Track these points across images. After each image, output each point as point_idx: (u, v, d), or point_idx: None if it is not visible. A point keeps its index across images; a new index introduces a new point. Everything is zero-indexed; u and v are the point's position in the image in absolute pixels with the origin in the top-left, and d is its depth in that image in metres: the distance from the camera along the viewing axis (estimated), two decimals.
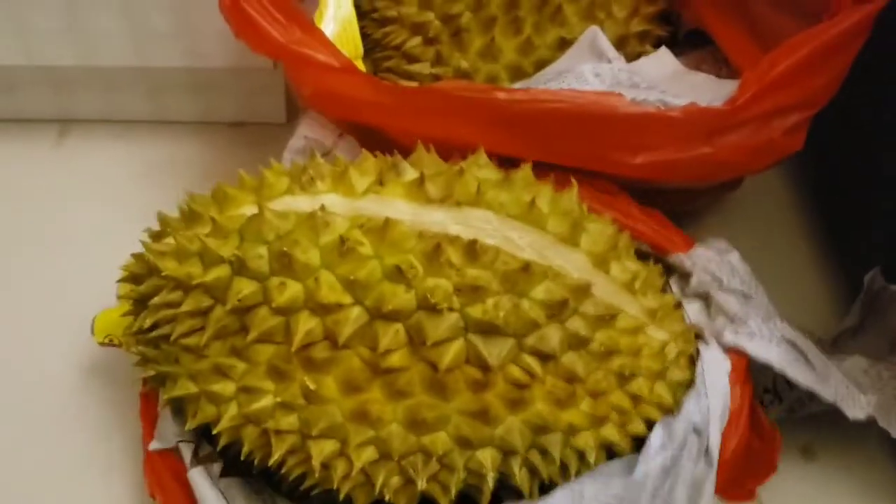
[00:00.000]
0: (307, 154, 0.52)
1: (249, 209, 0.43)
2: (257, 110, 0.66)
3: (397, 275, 0.39)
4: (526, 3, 0.55)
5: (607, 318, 0.41)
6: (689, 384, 0.44)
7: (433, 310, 0.38)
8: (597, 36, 0.54)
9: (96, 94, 0.65)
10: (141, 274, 0.44)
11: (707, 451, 0.42)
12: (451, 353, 0.39)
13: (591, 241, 0.42)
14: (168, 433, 0.47)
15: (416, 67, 0.57)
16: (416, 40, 0.57)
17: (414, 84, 0.56)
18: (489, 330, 0.39)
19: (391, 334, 0.39)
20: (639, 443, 0.43)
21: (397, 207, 0.41)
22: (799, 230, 0.64)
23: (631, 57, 0.57)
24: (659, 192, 0.51)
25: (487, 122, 0.46)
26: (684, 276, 0.50)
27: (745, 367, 0.45)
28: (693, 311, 0.48)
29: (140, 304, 0.44)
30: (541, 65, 0.55)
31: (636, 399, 0.42)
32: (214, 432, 0.41)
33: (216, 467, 0.45)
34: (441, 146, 0.45)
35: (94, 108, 0.66)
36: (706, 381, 0.43)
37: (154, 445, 0.47)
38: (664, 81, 0.53)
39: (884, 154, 0.56)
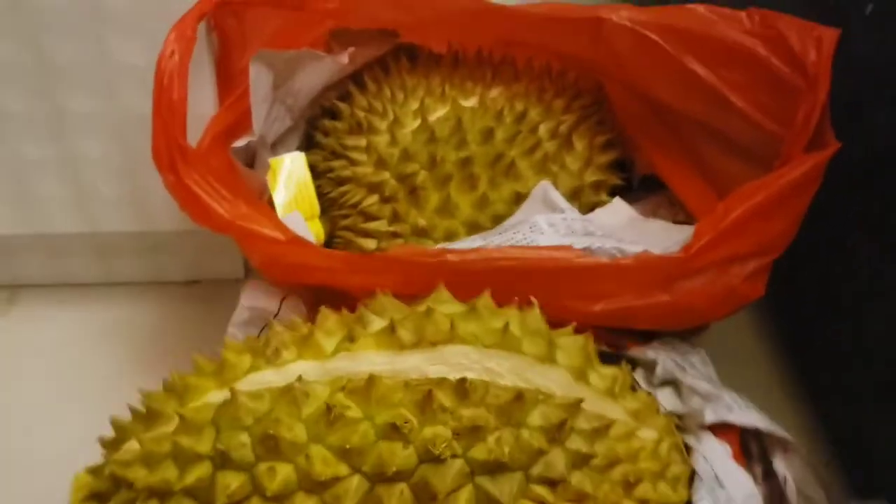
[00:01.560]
0: (253, 326, 0.50)
1: (216, 395, 0.40)
2: (212, 268, 0.65)
3: (393, 432, 0.37)
4: (480, 159, 0.55)
5: (602, 430, 0.41)
6: (689, 477, 0.44)
7: (436, 460, 0.37)
8: (548, 190, 0.54)
9: (44, 258, 0.63)
10: (103, 490, 0.41)
11: None
12: (461, 502, 0.37)
13: (567, 355, 0.42)
14: None
15: (373, 225, 0.56)
16: (373, 199, 0.56)
17: (372, 242, 0.55)
18: (495, 468, 0.38)
19: (396, 496, 0.37)
20: None
21: (372, 360, 0.40)
22: (769, 373, 0.64)
23: (587, 206, 0.58)
24: (627, 332, 0.51)
25: (445, 280, 0.45)
26: (648, 367, 0.51)
27: (738, 443, 0.45)
28: (664, 398, 0.49)
29: None
30: (498, 219, 0.55)
31: (644, 503, 0.42)
32: None
33: None
34: (401, 298, 0.45)
35: (42, 273, 0.64)
36: (716, 472, 0.43)
37: None
38: (620, 230, 0.54)
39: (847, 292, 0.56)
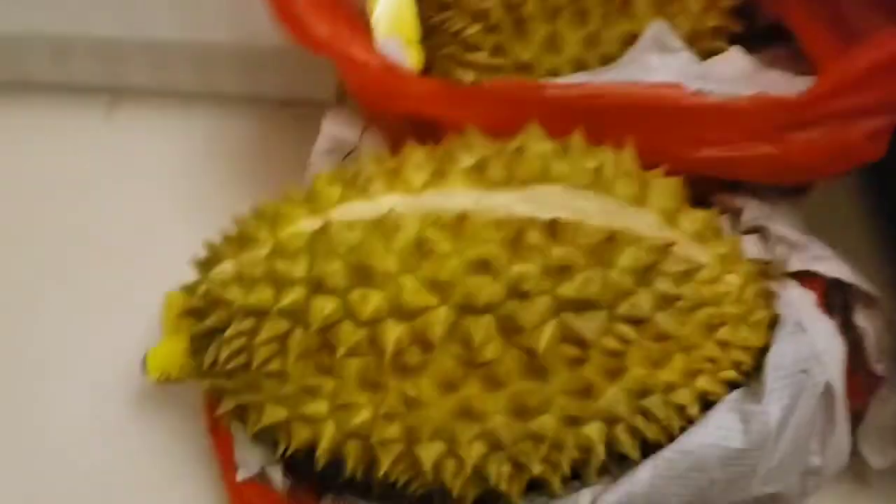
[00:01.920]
0: (334, 155, 0.50)
1: (306, 223, 0.41)
2: (306, 89, 0.64)
3: (482, 267, 0.38)
4: None
5: (690, 273, 0.40)
6: (770, 322, 0.45)
7: (524, 296, 0.38)
8: (662, 31, 0.50)
9: (146, 66, 0.63)
10: (199, 308, 0.43)
11: (828, 389, 0.42)
12: (546, 335, 0.38)
13: (658, 197, 0.42)
14: (250, 460, 0.46)
15: (474, 57, 0.53)
16: (476, 28, 0.52)
17: (471, 74, 0.53)
18: (581, 306, 0.38)
19: (483, 327, 0.38)
20: (731, 387, 0.43)
21: (461, 196, 0.40)
22: (862, 232, 0.61)
23: (703, 54, 0.53)
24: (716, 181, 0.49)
25: (540, 117, 0.43)
26: (734, 213, 0.50)
27: (822, 292, 0.45)
28: (749, 244, 0.48)
29: (205, 338, 0.43)
30: (606, 60, 0.51)
31: (725, 346, 0.42)
32: (318, 454, 0.41)
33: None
34: (495, 136, 0.43)
35: (144, 80, 0.64)
36: (799, 318, 0.43)
37: (241, 475, 0.46)
38: (737, 79, 0.50)
39: None
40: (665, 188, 0.42)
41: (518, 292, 0.37)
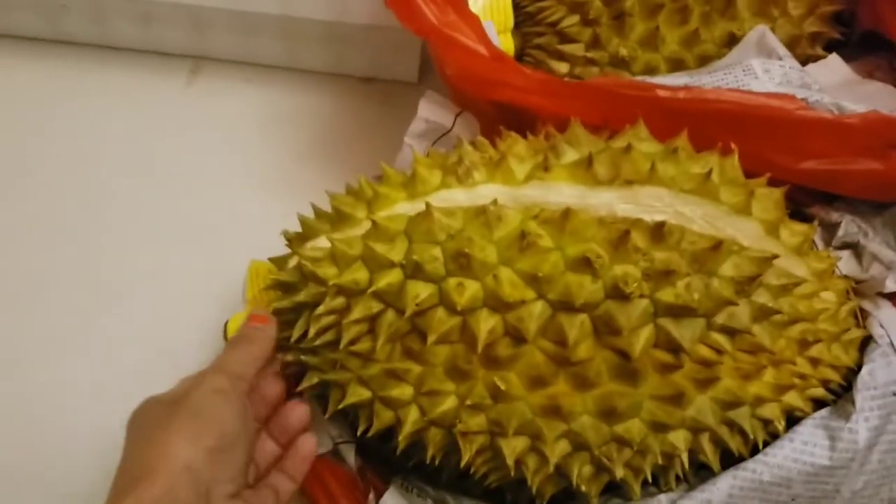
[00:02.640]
0: (428, 138, 0.50)
1: (404, 206, 0.41)
2: (389, 67, 0.65)
3: (583, 265, 0.37)
4: None
5: (790, 287, 0.40)
6: (861, 342, 0.44)
7: (623, 298, 0.37)
8: (765, 34, 0.50)
9: (231, 35, 0.64)
10: (289, 282, 0.43)
11: None
12: (642, 339, 0.38)
13: (762, 207, 0.41)
14: (324, 438, 0.46)
15: (569, 48, 0.52)
16: (574, 19, 0.52)
17: (565, 66, 0.52)
18: (680, 312, 0.38)
19: (577, 326, 0.38)
20: (818, 405, 0.43)
21: (562, 192, 0.40)
22: None
23: (800, 59, 0.52)
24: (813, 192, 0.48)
25: (645, 116, 0.43)
26: (828, 227, 0.49)
27: None
28: (843, 261, 0.47)
29: (293, 312, 0.43)
30: (704, 60, 0.51)
31: (816, 363, 0.42)
32: (400, 439, 0.41)
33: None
34: (596, 132, 0.43)
35: (227, 49, 0.65)
36: (892, 339, 0.42)
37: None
38: (836, 88, 0.50)
39: None
40: (769, 198, 0.42)
41: (617, 293, 0.37)
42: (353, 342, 0.40)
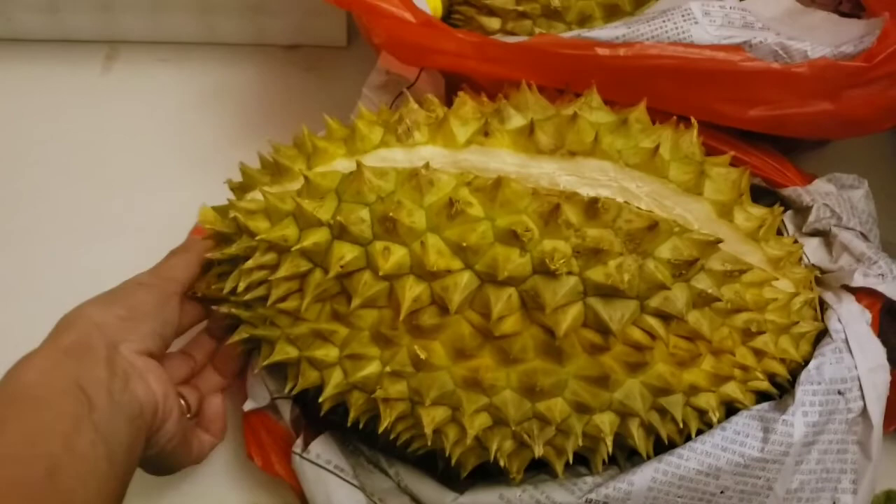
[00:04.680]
0: (388, 92, 0.48)
1: (342, 163, 0.40)
2: (315, 33, 0.61)
3: (511, 238, 0.36)
4: None
5: (734, 274, 0.38)
6: (816, 336, 0.42)
7: (550, 274, 0.36)
8: None
9: (144, 14, 0.60)
10: (228, 233, 0.42)
11: (864, 414, 0.39)
12: (569, 318, 0.36)
13: (715, 188, 0.39)
14: (261, 392, 0.46)
15: (499, 2, 0.50)
16: None
17: (496, 21, 0.50)
18: (611, 293, 0.36)
19: (504, 299, 0.36)
20: (760, 398, 0.41)
21: (503, 159, 0.38)
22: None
23: None
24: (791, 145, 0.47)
25: (587, 75, 0.42)
26: (800, 211, 0.46)
27: (878, 312, 0.42)
28: (811, 248, 0.45)
29: (228, 263, 0.42)
30: (640, 2, 0.49)
31: (760, 354, 0.40)
32: (321, 400, 0.40)
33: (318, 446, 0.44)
34: (556, 94, 0.41)
35: (142, 30, 0.62)
36: (847, 336, 0.40)
37: (248, 405, 0.46)
38: (779, 21, 0.47)
39: None
40: (724, 178, 0.40)
41: (545, 269, 0.36)
42: (281, 299, 0.40)
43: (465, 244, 0.36)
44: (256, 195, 0.41)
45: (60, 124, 0.61)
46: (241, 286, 0.40)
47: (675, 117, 0.40)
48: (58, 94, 0.61)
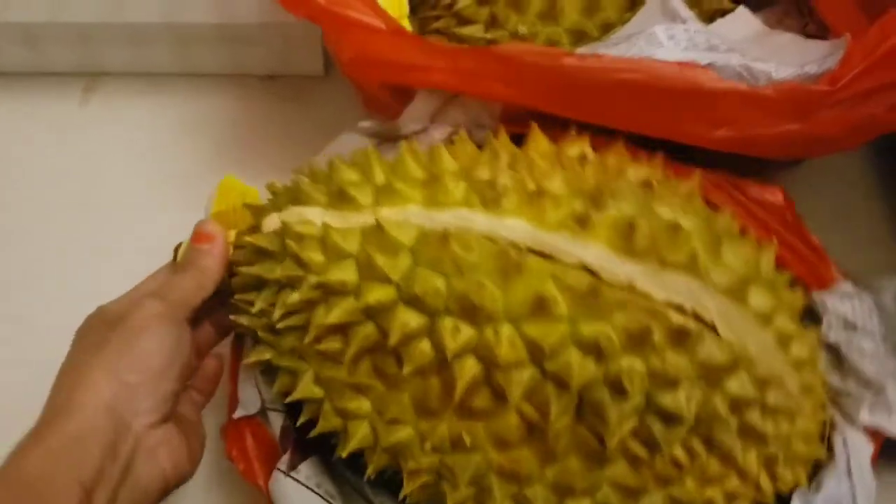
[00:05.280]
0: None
1: (417, 213, 0.36)
2: (292, 63, 0.61)
3: (591, 348, 0.34)
4: None
5: (780, 411, 0.38)
6: (823, 461, 0.43)
7: (621, 391, 0.34)
8: None
9: (122, 48, 0.60)
10: (270, 251, 0.38)
11: None
12: (624, 430, 0.35)
13: (784, 318, 0.38)
14: (253, 400, 0.43)
15: (467, 30, 0.50)
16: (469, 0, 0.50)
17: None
18: (671, 418, 0.35)
19: (564, 402, 0.35)
20: None
21: (597, 254, 0.36)
22: (873, 197, 0.58)
23: (707, 14, 0.51)
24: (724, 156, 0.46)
25: (553, 88, 0.42)
26: (817, 320, 0.47)
27: (881, 444, 0.43)
28: (825, 357, 0.46)
29: (264, 283, 0.38)
30: (607, 28, 0.49)
31: (774, 479, 0.41)
32: (345, 454, 0.38)
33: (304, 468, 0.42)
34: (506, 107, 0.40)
35: (120, 62, 0.62)
36: (851, 466, 0.41)
37: (239, 413, 0.43)
38: (746, 43, 0.48)
39: None
40: (790, 306, 0.39)
41: (618, 385, 0.34)
42: (319, 339, 0.37)
43: (541, 342, 0.34)
44: (310, 214, 0.37)
45: (38, 156, 0.60)
46: (278, 313, 0.37)
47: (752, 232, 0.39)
48: (36, 126, 0.61)
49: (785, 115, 0.43)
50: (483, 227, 0.36)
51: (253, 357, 0.39)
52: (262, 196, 0.43)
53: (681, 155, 0.45)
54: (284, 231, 0.37)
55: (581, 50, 0.46)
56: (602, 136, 0.44)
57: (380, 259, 0.35)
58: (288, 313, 0.37)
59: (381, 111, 0.48)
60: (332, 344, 0.37)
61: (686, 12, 0.47)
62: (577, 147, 0.42)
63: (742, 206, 0.45)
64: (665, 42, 0.45)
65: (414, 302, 0.35)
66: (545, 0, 0.49)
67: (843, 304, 0.47)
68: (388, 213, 0.36)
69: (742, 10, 0.51)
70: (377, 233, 0.36)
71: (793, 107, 0.43)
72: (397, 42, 0.43)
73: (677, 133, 0.43)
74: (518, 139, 0.42)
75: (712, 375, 0.35)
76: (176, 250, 0.44)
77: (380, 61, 0.44)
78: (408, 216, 0.36)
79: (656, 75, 0.42)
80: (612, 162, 0.42)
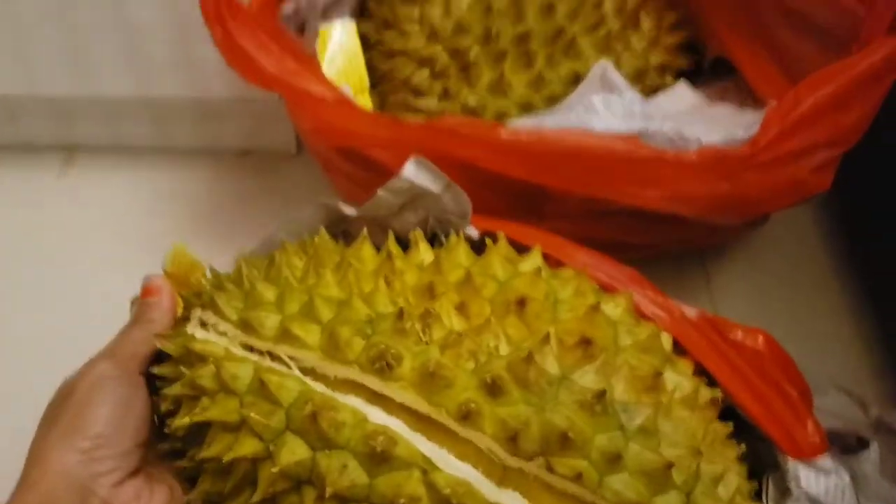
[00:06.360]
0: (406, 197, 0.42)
1: (312, 362, 0.35)
2: (265, 139, 0.62)
3: None
4: (538, 35, 0.51)
5: None
6: None
7: None
8: (606, 69, 0.51)
9: (100, 122, 0.62)
10: (174, 357, 0.38)
11: None
12: None
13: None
14: None
15: (422, 102, 0.52)
16: (423, 74, 0.52)
17: (421, 119, 0.49)
18: None
19: None
20: None
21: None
22: (829, 266, 0.59)
23: (650, 90, 0.55)
24: (679, 222, 0.48)
25: (491, 156, 0.45)
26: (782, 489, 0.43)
27: None
28: None
29: (186, 397, 0.39)
30: (553, 100, 0.51)
31: None
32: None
33: None
34: (445, 169, 0.41)
35: (98, 136, 0.63)
36: None
37: None
38: (683, 114, 0.51)
39: None
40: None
41: None
42: (201, 467, 0.37)
43: None
44: (219, 330, 0.38)
45: (16, 227, 0.62)
46: (182, 423, 0.38)
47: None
48: (14, 199, 0.63)
49: (709, 177, 0.46)
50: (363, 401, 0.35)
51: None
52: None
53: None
54: (188, 347, 0.37)
55: (524, 118, 0.50)
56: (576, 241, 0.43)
57: (255, 414, 0.35)
58: (200, 438, 0.37)
59: (348, 194, 0.50)
60: (211, 480, 0.37)
61: (622, 83, 0.51)
62: (532, 262, 0.39)
63: (717, 352, 0.41)
64: (601, 111, 0.48)
65: (281, 466, 0.34)
66: (494, 75, 0.52)
67: (817, 483, 0.42)
68: (284, 351, 0.36)
69: (681, 85, 0.55)
70: (262, 386, 0.35)
71: (716, 169, 0.45)
72: (345, 112, 0.45)
73: (614, 193, 0.46)
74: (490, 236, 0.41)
75: None
76: (132, 305, 0.45)
77: (331, 129, 0.46)
78: (299, 365, 0.35)
79: (584, 146, 0.45)
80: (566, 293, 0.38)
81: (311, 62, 0.48)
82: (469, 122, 0.45)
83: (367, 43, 0.56)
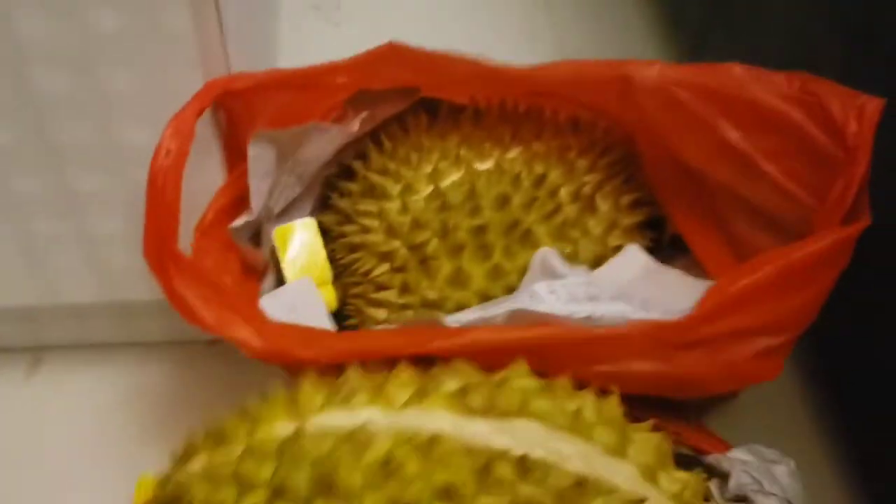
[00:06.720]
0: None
1: (284, 427, 0.41)
2: None
3: (446, 494, 0.37)
4: (495, 227, 0.53)
5: None
6: None
7: None
8: (546, 256, 0.52)
9: (68, 321, 0.63)
10: (167, 500, 0.42)
11: None
12: None
13: (639, 451, 0.41)
14: None
15: (383, 295, 0.54)
16: (384, 268, 0.54)
17: (383, 312, 0.54)
18: None
19: None
20: None
21: (439, 419, 0.40)
22: (812, 436, 0.60)
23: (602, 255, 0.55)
24: (644, 398, 0.47)
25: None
26: (723, 477, 0.48)
27: None
28: None
29: None
30: (511, 290, 0.53)
31: None
32: None
33: None
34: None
35: (66, 335, 0.64)
36: None
37: None
38: (631, 284, 0.51)
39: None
40: (647, 442, 0.42)
41: None
42: None
43: (400, 500, 0.37)
44: (196, 462, 0.42)
45: None
46: None
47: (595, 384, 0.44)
48: None
49: (645, 354, 0.45)
50: (342, 422, 0.40)
51: None
52: None
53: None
54: (175, 481, 0.42)
55: (472, 311, 0.51)
56: None
57: (247, 467, 0.39)
58: None
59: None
60: None
61: (564, 269, 0.52)
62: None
63: None
64: (546, 298, 0.49)
65: (282, 495, 0.38)
66: (452, 267, 0.52)
67: (745, 465, 0.48)
68: (257, 437, 0.41)
69: (632, 249, 0.55)
70: (248, 452, 0.40)
71: (650, 344, 0.45)
72: (270, 350, 0.48)
73: (556, 370, 0.45)
74: None
75: (569, 500, 0.37)
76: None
77: (266, 357, 0.49)
78: (274, 433, 0.41)
79: (511, 340, 0.46)
80: None
81: (247, 307, 0.51)
82: (397, 335, 0.46)
83: (330, 235, 0.58)
